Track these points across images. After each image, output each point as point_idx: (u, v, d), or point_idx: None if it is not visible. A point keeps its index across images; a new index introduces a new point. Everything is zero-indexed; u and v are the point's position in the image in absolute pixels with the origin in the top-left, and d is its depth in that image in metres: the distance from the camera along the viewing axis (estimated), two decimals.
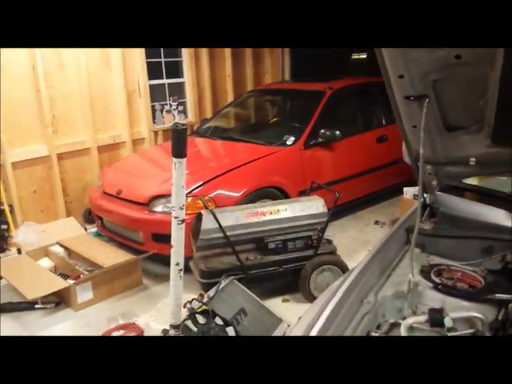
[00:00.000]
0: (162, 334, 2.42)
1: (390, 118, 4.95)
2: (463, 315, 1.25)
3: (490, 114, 1.37)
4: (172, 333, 1.55)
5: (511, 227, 1.57)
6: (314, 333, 1.12)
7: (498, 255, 1.53)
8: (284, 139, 4.22)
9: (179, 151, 1.33)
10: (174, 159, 1.34)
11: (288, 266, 3.22)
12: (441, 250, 1.61)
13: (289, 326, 2.90)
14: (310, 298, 3.22)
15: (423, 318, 1.24)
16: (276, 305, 3.20)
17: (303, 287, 3.22)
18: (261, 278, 3.20)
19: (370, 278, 1.40)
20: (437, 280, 1.46)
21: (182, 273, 1.42)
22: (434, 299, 1.39)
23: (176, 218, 1.35)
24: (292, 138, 4.20)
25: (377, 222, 4.69)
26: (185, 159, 1.35)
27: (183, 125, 1.32)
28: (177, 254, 1.39)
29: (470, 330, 1.25)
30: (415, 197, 4.32)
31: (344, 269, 3.26)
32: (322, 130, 4.19)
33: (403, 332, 1.18)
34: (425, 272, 1.50)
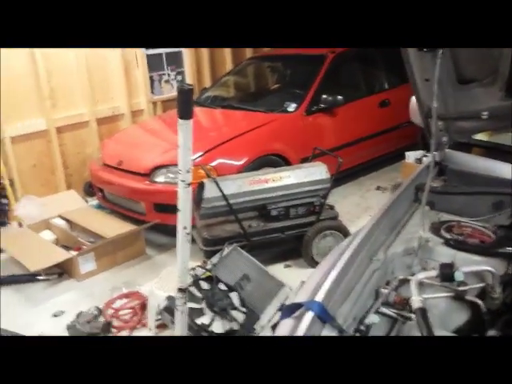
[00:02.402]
0: (166, 301, 2.42)
1: (393, 81, 4.88)
2: (474, 269, 1.22)
3: (505, 66, 1.32)
4: (179, 296, 1.53)
5: None
6: (323, 291, 1.11)
7: (507, 210, 1.50)
8: (285, 106, 4.15)
9: (185, 112, 1.29)
10: (180, 121, 1.30)
11: (290, 232, 3.21)
12: (450, 206, 1.59)
13: (291, 290, 2.92)
14: (312, 263, 3.23)
15: (434, 273, 1.22)
16: (278, 271, 3.20)
17: (305, 253, 3.22)
18: (263, 245, 3.20)
19: (380, 236, 1.38)
20: (447, 236, 1.44)
21: (189, 236, 1.40)
22: (444, 255, 1.37)
23: (183, 181, 1.32)
24: (293, 105, 4.13)
25: (378, 188, 4.66)
26: (191, 120, 1.31)
27: (189, 85, 1.27)
28: (184, 217, 1.37)
29: (481, 284, 1.23)
30: (417, 161, 4.27)
31: (346, 234, 3.24)
32: (324, 96, 4.11)
33: (413, 287, 1.16)
34: (435, 228, 1.48)
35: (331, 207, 3.39)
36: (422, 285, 1.19)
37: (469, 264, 1.25)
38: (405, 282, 1.29)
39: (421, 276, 1.21)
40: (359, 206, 4.28)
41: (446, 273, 1.19)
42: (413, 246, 1.38)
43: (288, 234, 3.19)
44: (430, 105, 1.55)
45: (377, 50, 4.75)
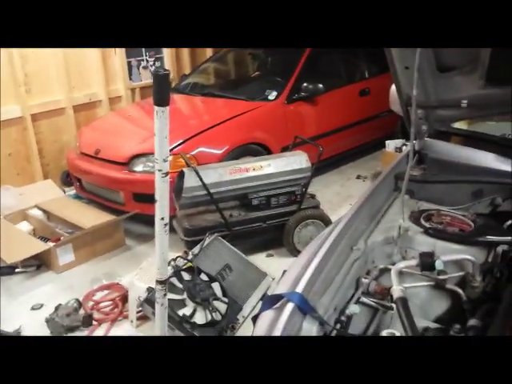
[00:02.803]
0: (146, 293, 2.40)
1: (373, 70, 4.89)
2: (454, 258, 1.23)
3: (485, 54, 1.32)
4: (158, 288, 1.51)
5: (501, 170, 1.55)
6: (303, 281, 1.10)
7: (487, 199, 1.52)
8: (266, 94, 4.11)
9: (161, 98, 1.24)
10: (156, 108, 1.25)
11: (272, 221, 3.20)
12: (430, 195, 1.59)
13: (273, 279, 2.92)
14: (294, 252, 3.24)
15: (414, 262, 1.22)
16: (260, 260, 3.20)
17: (287, 242, 3.23)
18: (245, 235, 3.19)
19: (360, 225, 1.38)
20: (426, 225, 1.44)
21: (167, 227, 1.37)
22: (424, 244, 1.37)
23: (160, 170, 1.29)
24: (274, 93, 4.10)
25: (359, 177, 4.69)
26: (167, 107, 1.27)
27: (165, 69, 1.22)
28: (161, 208, 1.34)
29: (461, 273, 1.24)
30: (397, 150, 4.31)
31: (327, 222, 3.25)
32: (305, 84, 4.09)
33: (393, 277, 1.17)
34: (414, 217, 1.48)
35: (312, 196, 3.40)
36: (402, 274, 1.20)
37: (449, 253, 1.26)
38: (385, 271, 1.29)
39: (401, 265, 1.21)
40: (340, 195, 4.30)
41: (426, 262, 1.19)
42: (393, 234, 1.38)
43: (269, 223, 3.19)
44: (410, 93, 1.54)
45: None
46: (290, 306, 1.09)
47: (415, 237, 1.40)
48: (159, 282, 1.51)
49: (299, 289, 1.11)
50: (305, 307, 1.08)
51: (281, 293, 1.15)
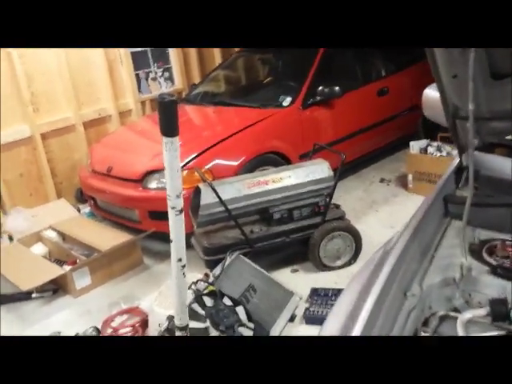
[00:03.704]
0: (166, 321, 2.26)
1: (390, 68, 4.70)
2: None
3: None
4: (178, 334, 1.36)
5: None
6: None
7: None
8: (280, 100, 3.95)
9: (169, 128, 1.09)
10: (165, 138, 1.10)
11: (295, 235, 3.04)
12: (487, 220, 1.39)
13: (301, 298, 2.76)
14: (321, 266, 3.08)
15: (483, 311, 1.03)
16: (285, 276, 3.05)
17: (313, 256, 3.06)
18: (268, 251, 3.03)
19: (411, 264, 1.18)
20: (491, 261, 1.25)
21: (185, 269, 1.22)
22: (492, 286, 1.17)
23: (173, 208, 1.14)
24: (288, 99, 3.93)
25: (382, 180, 4.49)
26: (177, 138, 1.11)
27: (171, 95, 1.07)
28: (178, 248, 1.19)
29: None
30: (422, 151, 4.10)
31: (354, 234, 3.09)
32: (320, 87, 3.91)
33: (459, 329, 0.99)
34: (475, 251, 1.29)
35: (337, 206, 3.22)
36: (469, 325, 1.02)
37: None
38: (446, 318, 1.11)
39: (468, 315, 1.02)
40: (364, 201, 4.11)
41: (500, 311, 1.01)
42: (453, 275, 1.19)
43: (293, 237, 3.02)
44: (458, 104, 1.36)
45: None
46: None
47: (480, 277, 1.21)
48: (179, 329, 1.36)
49: None
50: None
51: None
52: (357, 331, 0.92)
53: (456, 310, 1.14)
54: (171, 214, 1.15)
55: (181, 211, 1.16)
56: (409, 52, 4.55)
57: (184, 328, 1.34)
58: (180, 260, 1.20)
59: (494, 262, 1.25)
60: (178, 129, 1.10)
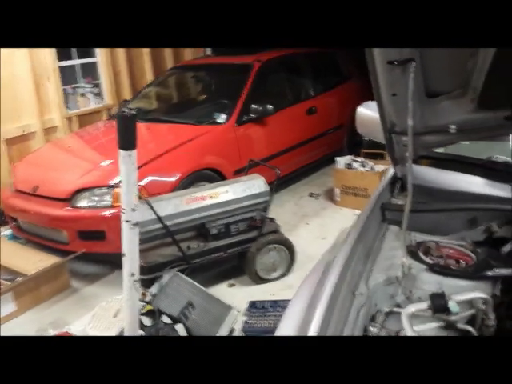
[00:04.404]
0: None
1: (318, 88, 4.94)
2: (467, 297, 1.14)
3: (478, 77, 1.26)
4: None
5: (492, 195, 1.50)
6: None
7: (482, 226, 1.46)
8: (215, 117, 3.99)
9: (128, 142, 1.10)
10: (122, 152, 1.09)
11: (233, 249, 3.05)
12: (421, 225, 1.51)
13: (238, 312, 2.77)
14: (257, 279, 3.13)
15: (425, 304, 1.12)
16: (223, 291, 3.05)
17: (249, 269, 3.09)
18: (204, 266, 3.01)
19: (357, 265, 1.25)
20: (428, 260, 1.36)
21: (137, 284, 1.20)
22: (430, 282, 1.27)
23: (128, 221, 1.12)
24: (223, 116, 3.98)
25: (312, 194, 4.68)
26: (135, 151, 1.11)
27: (131, 109, 1.08)
28: (131, 262, 1.17)
29: (472, 311, 1.16)
30: (347, 166, 4.33)
31: (289, 247, 3.17)
32: (254, 105, 4.01)
33: (404, 322, 1.06)
34: (412, 252, 1.39)
35: (272, 220, 3.29)
36: (412, 317, 1.10)
37: (456, 290, 1.16)
38: (390, 314, 1.19)
39: (411, 309, 1.10)
40: (296, 215, 4.24)
41: (439, 304, 1.09)
42: (395, 274, 1.28)
43: (230, 252, 3.04)
44: (395, 120, 1.47)
45: (302, 57, 4.77)
46: None
47: (419, 275, 1.30)
48: None
49: None
50: None
51: None
52: (314, 329, 0.95)
53: (399, 306, 1.22)
54: (126, 227, 1.14)
55: (135, 225, 1.14)
56: (335, 73, 4.82)
57: None
58: (133, 275, 1.17)
59: (430, 261, 1.36)
60: (136, 142, 1.10)
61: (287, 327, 1.09)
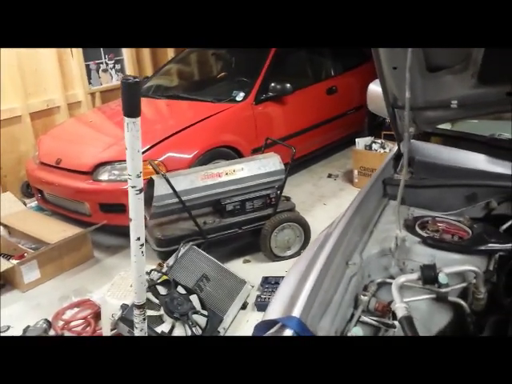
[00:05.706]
0: (120, 310, 2.27)
1: (338, 68, 4.89)
2: (457, 270, 1.18)
3: (478, 51, 1.27)
4: (137, 313, 1.41)
5: (494, 172, 1.51)
6: (300, 303, 1.02)
7: (481, 203, 1.48)
8: (233, 95, 4.02)
9: (132, 109, 1.13)
10: (127, 119, 1.14)
11: (248, 226, 3.12)
12: (421, 201, 1.53)
13: (252, 286, 2.85)
14: (272, 256, 3.18)
15: (415, 275, 1.15)
16: (238, 267, 3.13)
17: (264, 246, 3.16)
18: (220, 242, 3.09)
19: (353, 237, 1.30)
20: (423, 233, 1.39)
21: (143, 248, 1.26)
22: (423, 254, 1.31)
23: (133, 187, 1.18)
24: (242, 94, 4.00)
25: (330, 175, 4.68)
26: (139, 118, 1.16)
27: (135, 77, 1.12)
28: (137, 227, 1.22)
29: (463, 284, 1.20)
30: (366, 147, 4.31)
31: (304, 225, 3.22)
32: (273, 84, 4.02)
33: (394, 292, 1.11)
34: (409, 226, 1.42)
35: (287, 198, 3.34)
36: (401, 287, 1.14)
37: (449, 263, 1.20)
38: (383, 284, 1.23)
39: (402, 280, 1.14)
40: (313, 195, 4.27)
41: (429, 275, 1.13)
42: (389, 246, 1.32)
43: (245, 228, 3.11)
44: (397, 94, 1.49)
45: None
46: (287, 333, 1.01)
47: (412, 247, 1.34)
48: (137, 307, 1.40)
49: (296, 312, 1.02)
50: (304, 333, 1.00)
51: (276, 318, 1.07)
52: (304, 295, 1.01)
53: (392, 277, 1.27)
54: (131, 193, 1.19)
55: (140, 190, 1.20)
56: (356, 53, 4.75)
57: (142, 306, 1.39)
58: (139, 239, 1.24)
59: (425, 235, 1.39)
60: (140, 110, 1.15)
61: (281, 294, 1.14)
